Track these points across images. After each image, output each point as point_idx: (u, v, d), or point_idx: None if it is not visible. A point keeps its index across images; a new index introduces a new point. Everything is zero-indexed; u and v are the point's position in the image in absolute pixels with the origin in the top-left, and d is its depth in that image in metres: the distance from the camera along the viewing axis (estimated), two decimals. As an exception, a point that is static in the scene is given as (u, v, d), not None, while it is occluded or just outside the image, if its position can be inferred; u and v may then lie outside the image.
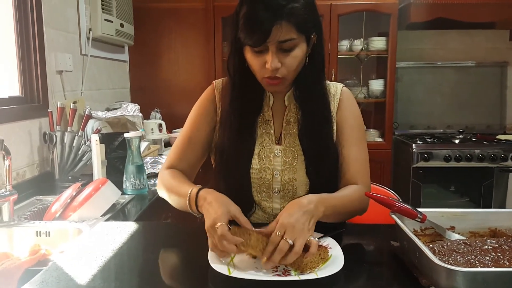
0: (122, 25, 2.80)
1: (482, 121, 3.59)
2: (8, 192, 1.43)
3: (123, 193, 1.74)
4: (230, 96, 1.18)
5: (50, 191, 1.82)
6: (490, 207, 3.02)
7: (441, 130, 3.57)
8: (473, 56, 3.56)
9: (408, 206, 0.96)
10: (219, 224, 0.92)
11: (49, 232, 1.39)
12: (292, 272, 0.88)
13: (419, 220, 0.95)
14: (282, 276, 0.87)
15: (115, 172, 1.93)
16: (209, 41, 3.27)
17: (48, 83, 2.05)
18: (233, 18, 1.09)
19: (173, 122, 3.11)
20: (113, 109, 2.63)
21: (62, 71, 2.21)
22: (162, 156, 2.48)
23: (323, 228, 1.02)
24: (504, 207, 3.02)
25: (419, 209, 0.96)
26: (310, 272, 0.87)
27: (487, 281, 0.73)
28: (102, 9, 2.51)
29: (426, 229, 1.00)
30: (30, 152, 1.89)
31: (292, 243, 0.88)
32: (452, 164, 3.02)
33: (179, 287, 0.91)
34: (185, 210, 1.11)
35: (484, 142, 3.09)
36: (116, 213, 1.56)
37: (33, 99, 1.97)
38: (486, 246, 0.89)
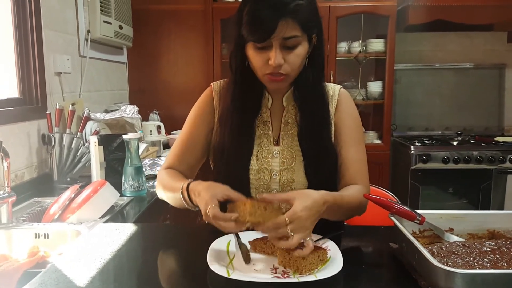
0: (121, 27, 2.80)
1: (480, 123, 3.59)
2: (6, 194, 1.42)
3: (121, 195, 1.73)
4: (232, 94, 1.18)
5: (49, 193, 1.82)
6: (489, 209, 3.02)
7: (440, 132, 3.57)
8: (472, 58, 3.56)
9: (407, 208, 0.96)
10: (209, 207, 0.93)
11: (47, 234, 1.39)
12: (291, 274, 0.89)
13: (417, 222, 0.95)
14: (281, 278, 0.87)
15: (113, 174, 1.93)
16: (208, 43, 3.26)
17: (47, 85, 2.05)
18: (236, 17, 1.10)
19: (172, 123, 3.11)
20: (112, 110, 2.63)
21: (60, 73, 2.21)
22: (161, 158, 2.48)
23: (322, 230, 1.02)
24: (503, 209, 3.02)
25: (418, 211, 0.96)
26: (309, 274, 0.87)
27: (486, 282, 0.73)
28: (101, 10, 2.51)
29: (425, 231, 1.00)
30: (28, 153, 1.89)
31: (292, 234, 0.88)
32: (451, 166, 3.02)
33: (178, 289, 0.91)
34: (182, 207, 1.11)
35: (482, 144, 3.10)
36: (115, 215, 1.56)
37: (31, 101, 1.97)
38: (485, 248, 0.90)
